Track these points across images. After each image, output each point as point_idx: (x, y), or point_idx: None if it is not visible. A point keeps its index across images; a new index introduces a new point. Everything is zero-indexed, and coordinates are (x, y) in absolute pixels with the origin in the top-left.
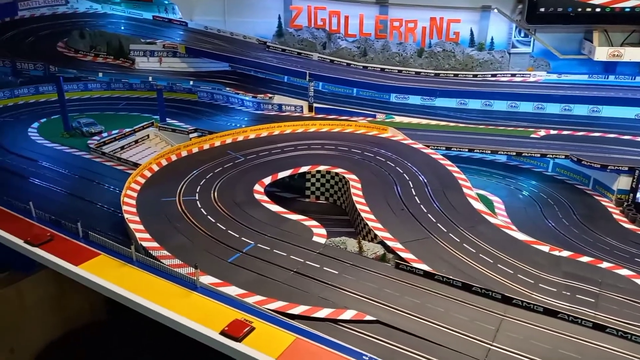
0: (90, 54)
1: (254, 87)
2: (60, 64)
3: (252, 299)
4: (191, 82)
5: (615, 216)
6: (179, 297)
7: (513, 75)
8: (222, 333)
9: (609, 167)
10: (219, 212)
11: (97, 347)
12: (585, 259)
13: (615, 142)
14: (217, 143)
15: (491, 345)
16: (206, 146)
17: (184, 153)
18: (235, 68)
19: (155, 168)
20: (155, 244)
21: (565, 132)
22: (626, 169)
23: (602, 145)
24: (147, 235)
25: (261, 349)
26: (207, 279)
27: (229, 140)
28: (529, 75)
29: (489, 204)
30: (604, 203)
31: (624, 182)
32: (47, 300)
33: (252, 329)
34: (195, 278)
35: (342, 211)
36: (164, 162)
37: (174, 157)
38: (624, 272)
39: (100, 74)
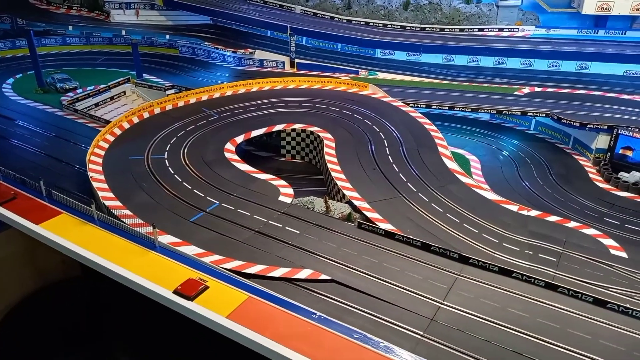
0: (63, 6)
1: (236, 42)
2: (29, 17)
3: (210, 259)
4: (167, 37)
5: (591, 175)
6: (137, 256)
7: (501, 29)
8: (175, 292)
9: (588, 126)
10: (186, 171)
11: (68, 303)
12: (552, 218)
13: (600, 100)
14: (193, 100)
15: (441, 303)
16: (181, 103)
17: (157, 110)
18: (216, 22)
19: (126, 126)
20: (117, 203)
21: (550, 90)
22: (605, 127)
23: (586, 103)
24: (111, 194)
25: (212, 307)
26: (167, 239)
27: (204, 98)
28: (517, 30)
29: (465, 163)
30: (581, 162)
31: (602, 141)
32: (19, 256)
33: (206, 287)
34: (153, 237)
35: (317, 170)
36: (136, 120)
37: (146, 115)
38: (590, 231)
39: (71, 28)
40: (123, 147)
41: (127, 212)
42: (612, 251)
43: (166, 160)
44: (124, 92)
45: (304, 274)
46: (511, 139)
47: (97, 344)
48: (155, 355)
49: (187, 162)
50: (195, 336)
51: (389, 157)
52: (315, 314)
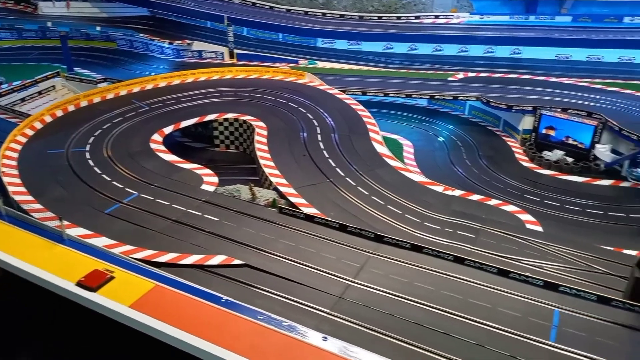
0: None
1: (175, 34)
2: None
3: (120, 249)
4: (98, 28)
5: (517, 156)
6: (43, 250)
7: (436, 17)
8: (78, 284)
9: (514, 108)
10: (108, 163)
11: None
12: (475, 197)
13: (529, 84)
14: (123, 92)
15: (351, 282)
16: (110, 95)
17: (83, 103)
18: (155, 13)
19: (49, 119)
20: (28, 197)
21: (483, 75)
22: (530, 108)
23: (515, 87)
24: (23, 189)
25: (116, 297)
26: (77, 231)
27: (136, 89)
28: (452, 17)
29: (397, 148)
30: (510, 143)
31: (527, 122)
32: None
33: (111, 278)
34: (61, 230)
35: (251, 160)
36: (60, 113)
37: (71, 108)
38: (509, 208)
39: None
40: (42, 141)
41: (39, 206)
42: (529, 225)
43: (87, 153)
44: (53, 86)
45: (217, 260)
46: (447, 124)
47: None
48: (59, 350)
49: (110, 155)
50: (100, 328)
51: (320, 143)
52: (222, 298)
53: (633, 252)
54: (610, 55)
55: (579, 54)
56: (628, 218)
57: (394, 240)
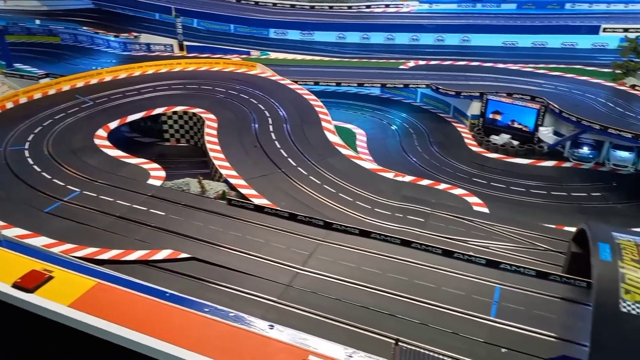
0: None
1: (120, 26)
2: None
3: (61, 248)
4: (38, 22)
5: (466, 141)
6: None
7: (387, 5)
8: (14, 285)
9: (462, 94)
10: (49, 161)
11: None
12: (425, 182)
13: (477, 70)
14: (66, 87)
15: (300, 269)
16: (52, 91)
17: (22, 100)
18: (99, 5)
19: None
20: None
21: (433, 62)
22: (477, 94)
23: (464, 74)
24: None
25: (54, 297)
26: (14, 232)
27: (80, 84)
28: (402, 6)
29: (350, 137)
30: (459, 129)
31: (475, 108)
32: None
33: (50, 278)
34: None
35: (202, 153)
36: None
37: (10, 105)
38: (458, 191)
39: None
40: None
41: None
42: (476, 208)
43: (26, 151)
44: None
45: (163, 254)
46: (399, 112)
47: None
48: None
49: (51, 152)
50: (40, 330)
51: (272, 134)
52: (167, 292)
53: (573, 229)
54: (554, 41)
55: (525, 41)
56: (569, 196)
57: (342, 227)
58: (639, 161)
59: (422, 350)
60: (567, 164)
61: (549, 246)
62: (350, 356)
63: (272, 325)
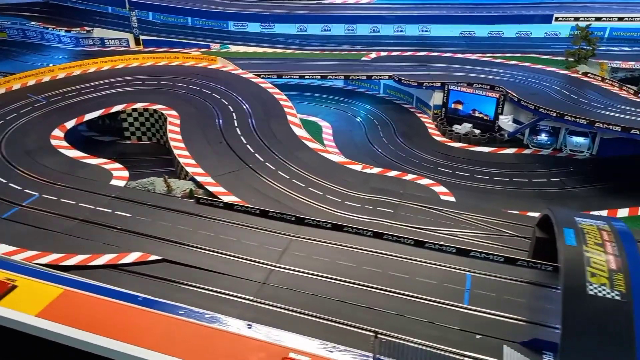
0: None
1: (71, 20)
2: None
3: (22, 256)
4: None
5: (430, 131)
6: None
7: None
8: None
9: (424, 84)
10: (2, 164)
11: None
12: (392, 173)
13: (437, 60)
14: (17, 86)
15: (274, 266)
16: (1, 90)
17: None
18: None
19: None
20: None
21: (394, 54)
22: (438, 84)
23: (425, 64)
24: None
25: (20, 307)
26: None
27: (31, 82)
28: None
29: (316, 130)
30: (423, 119)
31: (438, 98)
32: None
33: (13, 287)
34: None
35: (165, 151)
36: None
37: None
38: (424, 181)
39: None
40: None
41: None
42: (442, 197)
43: None
44: None
45: (132, 257)
46: (364, 104)
47: None
48: None
49: (4, 154)
50: (5, 341)
51: (237, 129)
52: (139, 296)
53: (536, 214)
54: (509, 31)
55: (482, 30)
56: (530, 182)
57: (315, 222)
58: (594, 146)
59: (401, 342)
60: (527, 151)
61: (513, 232)
62: (331, 351)
63: (250, 325)
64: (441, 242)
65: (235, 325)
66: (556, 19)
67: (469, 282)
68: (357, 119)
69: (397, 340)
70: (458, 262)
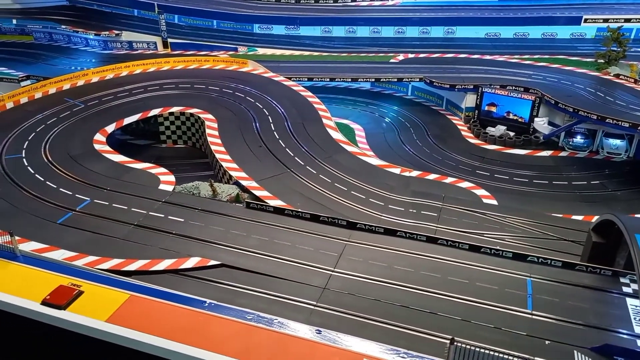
0: None
1: (98, 24)
2: None
3: (83, 261)
4: (15, 21)
5: (463, 133)
6: None
7: None
8: (44, 302)
9: (456, 87)
10: (49, 168)
11: None
12: (432, 176)
13: (466, 62)
14: (53, 90)
15: (332, 271)
16: (38, 95)
17: (9, 105)
18: (75, 2)
19: None
20: None
21: (422, 55)
22: (471, 87)
23: (454, 66)
24: None
25: (89, 313)
26: (30, 245)
27: (66, 86)
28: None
29: (350, 132)
30: (454, 121)
31: (470, 100)
32: None
33: (80, 293)
34: (13, 246)
35: (202, 154)
36: None
37: None
38: (465, 184)
39: None
40: None
41: None
42: (484, 200)
43: (24, 159)
44: None
45: (191, 262)
46: (392, 106)
47: None
48: None
49: (50, 159)
50: (74, 346)
51: (275, 133)
52: (205, 302)
53: (580, 217)
54: (535, 32)
55: (507, 32)
56: (570, 185)
57: (367, 226)
58: (631, 148)
59: (476, 348)
60: (563, 153)
61: (560, 235)
62: (403, 357)
63: (320, 330)
64: (497, 247)
65: (304, 330)
66: (585, 20)
67: (530, 287)
68: (386, 120)
69: (472, 347)
70: (516, 267)
